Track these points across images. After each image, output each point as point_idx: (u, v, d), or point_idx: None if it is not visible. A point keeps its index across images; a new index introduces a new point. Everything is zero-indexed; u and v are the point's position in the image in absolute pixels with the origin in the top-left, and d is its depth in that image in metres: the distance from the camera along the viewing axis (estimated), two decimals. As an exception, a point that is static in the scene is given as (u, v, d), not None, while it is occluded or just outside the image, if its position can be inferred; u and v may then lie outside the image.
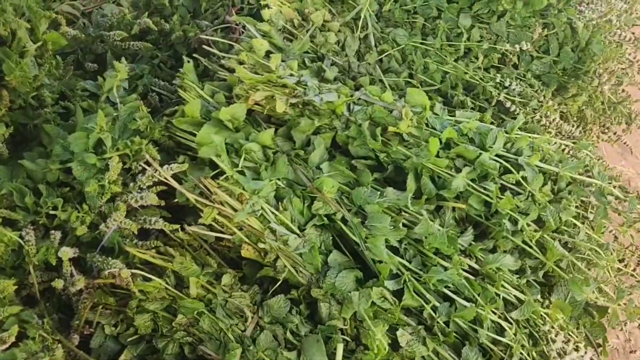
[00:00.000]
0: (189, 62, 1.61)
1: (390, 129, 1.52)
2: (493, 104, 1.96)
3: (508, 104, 1.98)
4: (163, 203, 1.42)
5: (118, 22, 1.85)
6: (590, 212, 1.63)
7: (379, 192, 1.42)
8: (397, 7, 2.10)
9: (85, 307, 1.25)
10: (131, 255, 1.34)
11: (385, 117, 1.54)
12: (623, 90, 2.30)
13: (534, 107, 1.99)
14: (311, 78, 1.68)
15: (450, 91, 1.99)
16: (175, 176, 1.44)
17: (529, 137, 1.65)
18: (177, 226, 1.35)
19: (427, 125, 1.59)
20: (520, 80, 2.03)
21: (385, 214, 1.38)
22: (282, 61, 1.68)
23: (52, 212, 1.33)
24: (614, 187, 1.71)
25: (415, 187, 1.49)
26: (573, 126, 2.19)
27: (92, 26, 1.91)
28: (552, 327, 1.40)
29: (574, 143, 1.78)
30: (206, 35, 1.79)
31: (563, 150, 1.75)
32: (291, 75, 1.59)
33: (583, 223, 1.59)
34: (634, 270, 1.66)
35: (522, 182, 1.52)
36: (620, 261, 1.65)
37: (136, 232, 1.33)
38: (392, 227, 1.37)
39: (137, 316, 1.28)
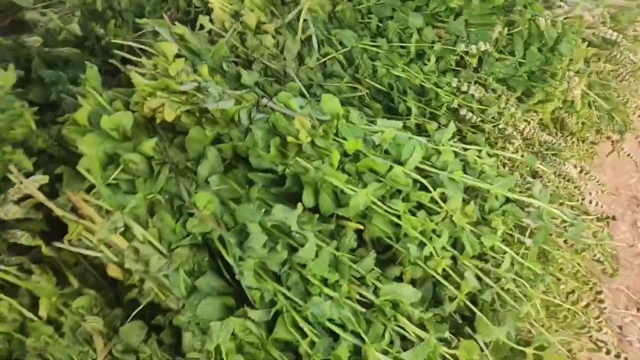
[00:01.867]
0: (91, 67, 1.53)
1: (289, 139, 1.37)
2: (442, 111, 1.76)
3: (463, 112, 1.77)
4: (40, 217, 1.34)
5: (45, 28, 1.80)
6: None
7: (264, 210, 1.28)
8: (349, 7, 1.94)
9: None
10: None
11: (287, 126, 1.39)
12: (618, 95, 2.03)
13: (493, 115, 1.77)
14: (225, 85, 1.56)
15: (398, 97, 1.81)
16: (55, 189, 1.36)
17: (463, 148, 1.45)
18: (40, 242, 1.26)
19: (337, 135, 1.42)
20: (480, 84, 1.81)
21: (264, 234, 1.23)
22: (195, 66, 1.57)
23: None
24: (570, 207, 1.48)
25: (312, 204, 1.33)
26: (555, 136, 1.96)
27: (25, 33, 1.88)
28: (458, 372, 1.20)
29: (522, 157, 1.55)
30: (126, 40, 1.70)
31: (504, 165, 1.53)
32: (194, 81, 1.47)
33: (519, 250, 1.38)
34: (587, 307, 1.42)
35: (438, 200, 1.33)
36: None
37: (-5, 248, 1.25)
38: (270, 249, 1.22)
39: (-12, 338, 1.20)
